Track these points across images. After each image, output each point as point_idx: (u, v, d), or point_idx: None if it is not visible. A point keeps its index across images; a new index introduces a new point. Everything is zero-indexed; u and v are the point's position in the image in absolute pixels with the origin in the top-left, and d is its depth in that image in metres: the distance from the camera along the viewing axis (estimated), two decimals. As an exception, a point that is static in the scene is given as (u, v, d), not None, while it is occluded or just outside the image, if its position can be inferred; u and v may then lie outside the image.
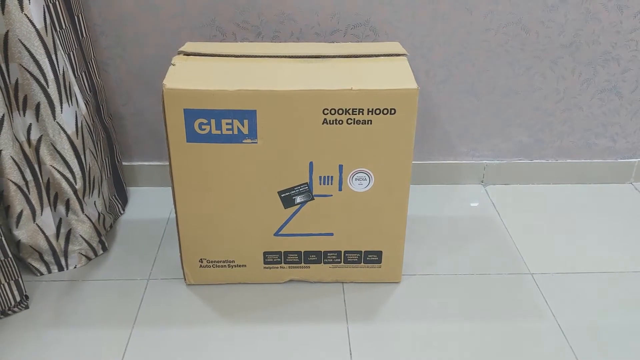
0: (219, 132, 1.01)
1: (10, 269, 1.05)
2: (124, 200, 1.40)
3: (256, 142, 1.02)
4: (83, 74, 1.22)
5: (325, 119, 1.01)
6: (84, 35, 1.23)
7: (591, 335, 1.06)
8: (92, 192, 1.21)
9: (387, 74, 1.03)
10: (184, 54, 1.08)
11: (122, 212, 1.38)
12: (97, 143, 1.25)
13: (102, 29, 1.30)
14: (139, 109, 1.40)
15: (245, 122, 1.00)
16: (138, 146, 1.45)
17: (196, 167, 1.04)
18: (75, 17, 1.20)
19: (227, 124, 1.00)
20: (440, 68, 1.38)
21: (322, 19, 1.31)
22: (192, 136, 1.01)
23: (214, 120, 1.00)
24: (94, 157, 1.21)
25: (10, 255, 1.04)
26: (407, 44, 1.34)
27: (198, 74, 1.02)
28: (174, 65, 1.04)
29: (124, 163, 1.46)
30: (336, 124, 1.01)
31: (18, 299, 1.09)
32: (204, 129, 1.01)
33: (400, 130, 1.02)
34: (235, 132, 1.01)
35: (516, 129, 1.47)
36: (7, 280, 1.06)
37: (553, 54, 1.37)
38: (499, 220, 1.38)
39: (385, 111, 1.00)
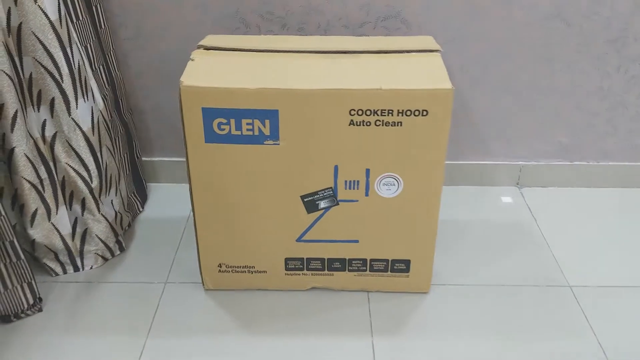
0: (239, 132, 0.95)
1: (23, 270, 1.02)
2: (143, 197, 1.36)
3: (278, 144, 0.96)
4: (101, 67, 1.17)
5: (351, 120, 0.94)
6: (103, 26, 1.18)
7: (636, 358, 0.99)
8: (109, 191, 1.16)
9: (420, 72, 0.96)
10: (204, 48, 1.02)
11: (141, 209, 1.33)
12: (115, 139, 1.20)
13: (121, 19, 1.25)
14: (159, 103, 1.35)
15: (267, 122, 0.94)
16: (159, 141, 1.40)
17: (215, 168, 0.99)
18: (94, 7, 1.15)
19: (247, 124, 0.95)
20: (475, 64, 1.30)
21: (351, 11, 1.24)
22: (211, 136, 0.96)
23: (233, 120, 0.94)
24: (112, 154, 1.16)
25: (23, 257, 1.00)
26: (440, 39, 1.26)
27: (218, 71, 0.96)
28: (192, 60, 0.98)
29: (144, 158, 1.41)
30: (363, 125, 0.95)
31: (31, 301, 1.05)
32: (223, 129, 0.95)
33: (432, 132, 0.95)
34: (256, 132, 0.95)
35: (555, 129, 1.38)
36: (20, 283, 1.02)
37: (597, 49, 1.28)
38: (536, 227, 1.30)
39: (416, 112, 0.93)
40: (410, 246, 1.07)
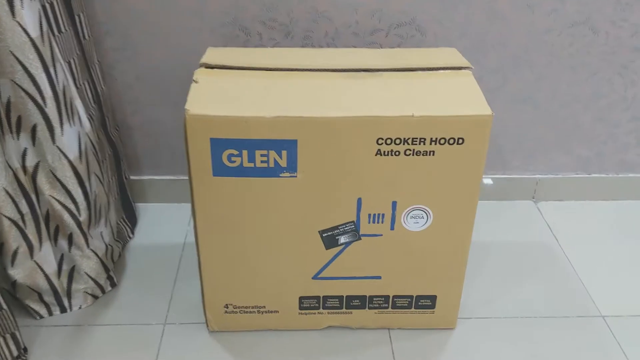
0: (251, 164, 0.84)
1: (5, 321, 0.89)
2: (133, 222, 1.24)
3: (296, 176, 0.85)
4: (86, 82, 1.04)
5: (379, 149, 0.84)
6: (87, 37, 1.05)
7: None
8: (99, 222, 1.04)
9: (453, 94, 0.86)
10: (207, 67, 0.90)
11: (131, 236, 1.21)
12: (102, 163, 1.08)
13: (107, 27, 1.12)
14: (149, 119, 1.22)
15: (284, 153, 0.84)
16: (148, 159, 1.28)
17: (224, 203, 0.88)
18: (77, 16, 1.02)
19: (262, 155, 0.84)
20: (494, 74, 1.20)
21: (361, 17, 1.13)
22: (220, 169, 0.84)
23: (246, 151, 0.83)
24: (100, 182, 1.04)
25: (6, 307, 0.88)
26: (457, 46, 1.16)
27: (227, 95, 0.84)
28: (196, 82, 0.86)
29: (132, 177, 1.29)
30: (392, 155, 0.84)
31: (15, 354, 0.93)
32: (234, 161, 0.84)
33: (467, 162, 0.86)
34: (272, 164, 0.84)
35: (575, 141, 1.30)
36: (3, 334, 0.90)
37: (623, 57, 1.20)
38: (558, 247, 1.22)
39: (451, 141, 0.84)
40: (437, 281, 0.98)
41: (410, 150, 0.84)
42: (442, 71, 0.92)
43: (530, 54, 1.19)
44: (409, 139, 0.83)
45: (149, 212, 1.31)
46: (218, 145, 0.83)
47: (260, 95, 0.84)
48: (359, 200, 0.89)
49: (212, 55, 0.95)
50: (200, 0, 1.09)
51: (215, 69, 0.90)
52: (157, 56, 1.15)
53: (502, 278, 1.14)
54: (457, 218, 0.91)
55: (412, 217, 0.90)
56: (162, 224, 1.26)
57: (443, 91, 0.87)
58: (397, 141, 0.84)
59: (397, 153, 0.84)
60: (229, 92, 0.85)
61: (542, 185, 1.35)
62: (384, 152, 0.84)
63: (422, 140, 0.84)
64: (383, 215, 0.90)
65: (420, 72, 0.92)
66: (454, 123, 0.83)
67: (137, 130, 1.24)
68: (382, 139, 0.83)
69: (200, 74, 0.89)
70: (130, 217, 1.23)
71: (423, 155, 0.85)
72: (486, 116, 0.83)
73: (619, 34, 1.17)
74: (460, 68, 0.93)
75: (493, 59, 1.19)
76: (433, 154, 0.85)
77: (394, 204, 0.89)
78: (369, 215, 0.90)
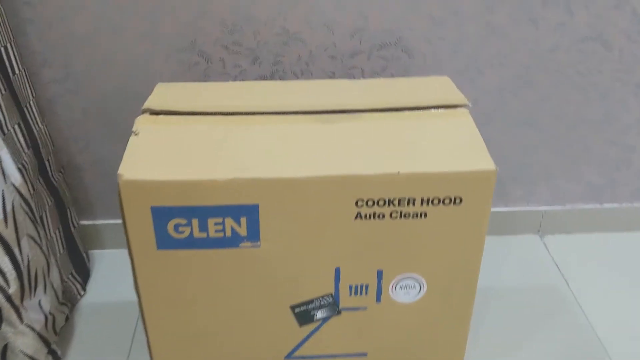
0: (204, 234, 0.69)
1: None
2: (84, 275, 1.09)
3: (259, 246, 0.70)
4: (16, 126, 0.88)
5: (358, 212, 0.69)
6: (17, 71, 0.89)
7: None
8: (36, 291, 0.89)
9: (447, 142, 0.71)
10: (151, 113, 0.75)
11: (82, 293, 1.06)
12: (41, 218, 0.92)
13: (44, 57, 0.96)
14: (100, 157, 1.07)
15: (243, 220, 0.68)
16: (101, 202, 1.12)
17: (173, 279, 0.73)
18: (2, 48, 0.86)
19: (216, 224, 0.68)
20: (491, 95, 1.05)
21: (339, 38, 0.97)
22: (165, 241, 0.69)
23: (196, 220, 0.68)
24: (37, 243, 0.88)
25: None
26: (450, 67, 1.01)
27: (172, 151, 0.69)
28: (135, 135, 0.71)
29: (84, 222, 1.14)
30: (375, 218, 0.69)
31: None
32: (182, 232, 0.69)
33: (466, 224, 0.71)
34: (229, 234, 0.69)
35: (584, 167, 1.15)
36: None
37: (639, 76, 1.05)
38: (568, 291, 1.08)
39: (446, 201, 0.68)
40: (434, 356, 0.83)
41: (397, 212, 0.69)
42: (433, 110, 0.77)
43: (533, 73, 1.04)
44: (394, 199, 0.68)
45: (104, 260, 1.15)
46: (161, 215, 0.67)
47: (213, 151, 0.69)
48: (337, 270, 0.74)
49: (160, 95, 0.79)
50: (152, 21, 0.93)
51: (160, 116, 0.75)
52: (105, 87, 1.00)
53: (507, 329, 1.00)
54: (455, 286, 0.76)
55: (402, 287, 0.75)
56: (117, 273, 1.11)
57: (435, 138, 0.72)
58: (381, 203, 0.68)
59: (381, 216, 0.69)
60: (174, 147, 0.69)
61: (548, 218, 1.20)
62: (365, 215, 0.69)
63: (411, 200, 0.69)
64: (367, 286, 0.75)
65: (407, 112, 0.76)
66: (449, 181, 0.68)
67: (87, 170, 1.08)
68: (362, 200, 0.68)
69: (142, 122, 0.73)
70: (81, 271, 1.07)
71: (413, 217, 0.70)
72: (489, 172, 0.68)
73: (635, 50, 1.02)
74: (455, 106, 0.77)
75: (490, 79, 1.04)
76: (425, 216, 0.70)
77: (380, 273, 0.74)
78: (350, 286, 0.75)
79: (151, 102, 0.77)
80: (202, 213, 0.68)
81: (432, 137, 0.72)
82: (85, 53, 0.97)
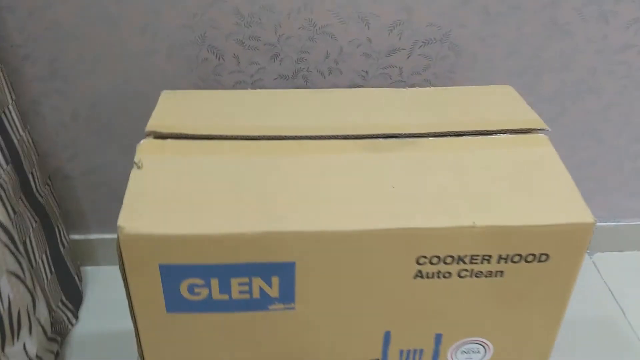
0: (225, 296, 0.55)
1: None
2: (76, 300, 0.95)
3: (293, 308, 0.56)
4: (-8, 137, 0.73)
5: (419, 271, 0.55)
6: (-9, 70, 0.74)
7: None
8: (19, 334, 0.75)
9: (530, 183, 0.57)
10: (156, 136, 0.60)
11: (73, 322, 0.93)
12: (22, 247, 0.78)
13: (26, 51, 0.81)
14: (93, 165, 0.92)
15: (275, 280, 0.54)
16: (95, 214, 0.98)
17: (185, 345, 0.59)
18: (-28, 44, 0.70)
19: (240, 284, 0.54)
20: (551, 102, 0.91)
21: (375, 33, 0.82)
22: (177, 304, 0.55)
23: (216, 280, 0.54)
24: (18, 278, 0.74)
25: None
26: (503, 69, 0.86)
27: (184, 192, 0.54)
28: (139, 168, 0.56)
29: (76, 237, 0.99)
30: (439, 277, 0.56)
31: None
32: (199, 293, 0.55)
33: (550, 283, 0.57)
34: (256, 295, 0.55)
35: (645, 181, 1.02)
36: None
37: None
38: (623, 320, 0.95)
39: (530, 258, 0.55)
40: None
41: (466, 270, 0.55)
42: (504, 136, 0.62)
43: (600, 78, 0.89)
44: (465, 256, 0.54)
45: (98, 279, 1.01)
46: (172, 274, 0.53)
47: (237, 192, 0.54)
48: (387, 334, 0.60)
49: (166, 110, 0.64)
50: (153, 11, 0.78)
51: (168, 140, 0.60)
52: (97, 87, 0.84)
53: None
54: (527, 350, 0.63)
55: (464, 351, 0.62)
56: (113, 293, 0.95)
57: (513, 176, 0.57)
58: (448, 260, 0.54)
59: (446, 275, 0.55)
60: (188, 187, 0.55)
61: (599, 234, 1.07)
62: (427, 273, 0.55)
63: (487, 258, 0.54)
64: (421, 351, 0.62)
65: (472, 138, 0.62)
66: (536, 235, 0.54)
67: (78, 179, 0.93)
68: (426, 257, 0.54)
69: (145, 150, 0.58)
70: (72, 296, 0.93)
71: (486, 276, 0.56)
72: (585, 225, 0.53)
73: None
74: (530, 131, 0.63)
75: (549, 84, 0.89)
76: (501, 275, 0.56)
77: (439, 337, 0.61)
78: (401, 351, 0.62)
79: (156, 121, 0.62)
80: (224, 272, 0.53)
81: (510, 174, 0.58)
82: (73, 47, 0.81)
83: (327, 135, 0.61)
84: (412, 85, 0.88)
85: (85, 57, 0.82)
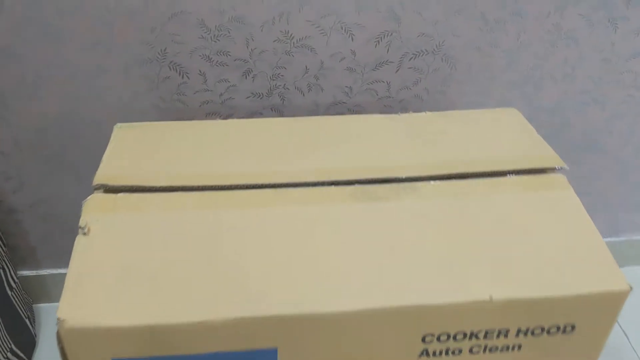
0: (194, 388, 0.45)
1: None
2: (29, 346, 0.85)
3: (276, 396, 0.47)
4: None
5: (425, 349, 0.47)
6: None
7: None
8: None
9: (552, 240, 0.48)
10: (106, 190, 0.50)
11: (27, 371, 0.82)
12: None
13: (-47, 72, 0.69)
14: (41, 196, 0.81)
15: (253, 368, 0.45)
16: (45, 248, 0.88)
17: None
18: None
19: (212, 374, 0.45)
20: (552, 114, 0.83)
21: (360, 45, 0.72)
22: (137, 398, 0.45)
23: (182, 372, 0.44)
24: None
25: None
26: (502, 80, 0.78)
27: (141, 266, 0.45)
28: (84, 234, 0.46)
29: (26, 273, 0.89)
30: (447, 354, 0.47)
31: None
32: (162, 386, 0.45)
33: (574, 354, 0.49)
34: (232, 384, 0.46)
35: (649, 195, 0.95)
36: None
37: None
38: (628, 346, 0.88)
39: (552, 330, 0.46)
40: None
41: (479, 346, 0.47)
42: (516, 177, 0.53)
43: (604, 88, 0.81)
44: (479, 332, 0.45)
45: (52, 316, 0.90)
46: (129, 369, 0.43)
47: (203, 266, 0.45)
48: (386, 415, 0.51)
49: (118, 153, 0.54)
50: (103, 24, 0.67)
51: (120, 195, 0.50)
52: (43, 111, 0.73)
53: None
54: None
55: None
56: None
57: (532, 233, 0.49)
58: (459, 336, 0.46)
59: (456, 352, 0.47)
60: (144, 261, 0.45)
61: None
62: (435, 351, 0.47)
63: (503, 332, 0.46)
64: None
65: (479, 180, 0.53)
66: (563, 306, 0.45)
67: (25, 212, 0.83)
68: (433, 335, 0.45)
69: (93, 209, 0.48)
70: (24, 343, 0.83)
71: (502, 351, 0.47)
72: (619, 293, 0.45)
73: None
74: (544, 170, 0.54)
75: (552, 94, 0.81)
76: (519, 349, 0.48)
77: (444, 414, 0.52)
78: None
79: (107, 169, 0.52)
80: (191, 363, 0.44)
81: (528, 230, 0.49)
82: (12, 68, 0.70)
83: (309, 182, 0.52)
84: (402, 102, 0.79)
85: (26, 78, 0.71)
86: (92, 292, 0.43)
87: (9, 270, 0.81)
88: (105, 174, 0.51)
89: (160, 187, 0.50)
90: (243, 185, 0.51)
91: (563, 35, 0.75)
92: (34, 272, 0.90)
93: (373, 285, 0.44)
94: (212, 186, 0.51)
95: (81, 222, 0.47)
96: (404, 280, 0.45)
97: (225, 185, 0.51)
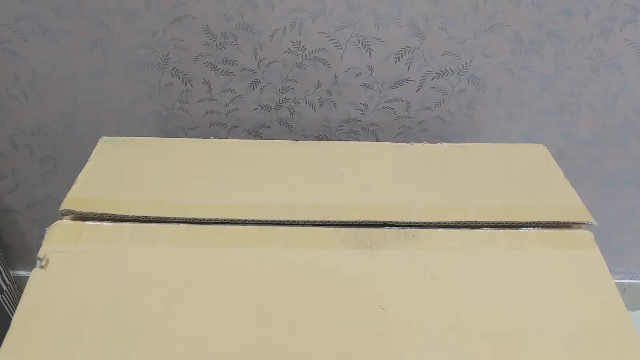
0: None
1: None
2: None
3: None
4: None
5: None
6: None
7: None
8: None
9: (578, 316, 0.42)
10: (74, 216, 0.45)
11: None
12: None
13: (-54, 67, 0.65)
14: (37, 197, 0.78)
15: None
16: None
17: None
18: None
19: None
20: (589, 145, 0.75)
21: (378, 60, 0.66)
22: None
23: None
24: None
25: None
26: (534, 106, 0.71)
27: (95, 318, 0.40)
28: (41, 266, 0.42)
29: (21, 273, 0.86)
30: None
31: None
32: None
33: None
34: None
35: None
36: None
37: None
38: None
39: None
40: None
41: None
42: (536, 231, 0.46)
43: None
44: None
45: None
46: None
47: (167, 314, 0.40)
48: None
49: (95, 172, 0.50)
50: (101, 25, 0.62)
51: (88, 224, 0.45)
52: (39, 112, 0.69)
53: None
54: None
55: None
56: None
57: (553, 303, 0.42)
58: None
59: None
60: (101, 309, 0.40)
61: (632, 292, 0.92)
62: None
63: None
64: None
65: (493, 232, 0.46)
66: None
67: (20, 212, 0.79)
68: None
69: (55, 238, 0.44)
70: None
71: None
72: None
73: None
74: (569, 225, 0.47)
75: (588, 124, 0.73)
76: None
77: None
78: None
79: (78, 192, 0.47)
80: None
81: (543, 297, 0.42)
82: (6, 66, 0.66)
83: (297, 221, 0.46)
84: (421, 122, 0.72)
85: (21, 78, 0.67)
86: (40, 335, 0.38)
87: (2, 272, 0.78)
88: (76, 197, 0.47)
89: (132, 216, 0.45)
90: (224, 220, 0.46)
91: (606, 61, 0.67)
92: (30, 272, 0.87)
93: (356, 352, 0.39)
94: (189, 219, 0.46)
95: (40, 253, 0.43)
96: (394, 351, 0.39)
97: (204, 220, 0.46)
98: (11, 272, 0.83)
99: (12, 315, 0.78)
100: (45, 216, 0.80)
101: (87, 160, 0.72)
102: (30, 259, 0.86)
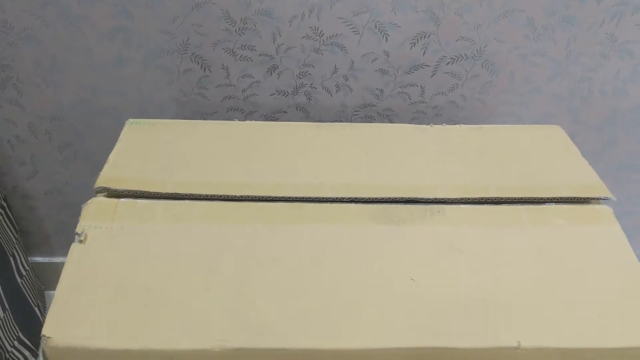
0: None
1: None
2: (36, 334, 0.83)
3: None
4: None
5: (441, 394, 0.41)
6: None
7: None
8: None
9: (595, 283, 0.43)
10: (108, 194, 0.46)
11: (32, 362, 0.80)
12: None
13: (-32, 54, 0.66)
14: (56, 183, 0.79)
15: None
16: (59, 235, 0.86)
17: None
18: None
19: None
20: (599, 130, 0.77)
21: (394, 46, 0.67)
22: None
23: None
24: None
25: None
26: (546, 92, 0.72)
27: (135, 286, 0.41)
28: (80, 241, 0.43)
29: (39, 260, 0.87)
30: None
31: None
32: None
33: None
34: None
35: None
36: None
37: None
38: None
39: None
40: None
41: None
42: (556, 207, 0.48)
43: (660, 105, 0.74)
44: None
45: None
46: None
47: (203, 288, 0.41)
48: None
49: (126, 152, 0.51)
50: (123, 12, 0.63)
51: (122, 201, 0.46)
52: (59, 98, 0.70)
53: None
54: None
55: None
56: None
57: (570, 272, 0.43)
58: (480, 384, 0.41)
59: (476, 399, 0.42)
60: (139, 278, 0.41)
61: None
62: (451, 397, 0.42)
63: (531, 383, 0.41)
64: None
65: (514, 207, 0.48)
66: (598, 359, 0.40)
67: (40, 199, 0.80)
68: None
69: (92, 215, 0.45)
70: (31, 332, 0.82)
71: (527, 401, 0.42)
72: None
73: None
74: (587, 200, 0.48)
75: (599, 110, 0.75)
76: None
77: None
78: None
79: (111, 170, 0.48)
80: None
81: (565, 269, 0.44)
82: (28, 52, 0.67)
83: (326, 198, 0.47)
84: (435, 107, 0.73)
85: (42, 63, 0.68)
86: (82, 309, 0.39)
87: (20, 258, 0.79)
88: (109, 176, 0.48)
89: (166, 194, 0.47)
90: (255, 197, 0.47)
91: (617, 46, 0.69)
92: (47, 259, 0.88)
93: (388, 321, 0.40)
94: (221, 196, 0.47)
95: (78, 228, 0.44)
96: (422, 319, 0.40)
97: (235, 196, 0.47)
98: (29, 259, 0.84)
99: (32, 300, 0.79)
100: (64, 203, 0.81)
101: (105, 147, 0.73)
102: (48, 246, 0.87)
